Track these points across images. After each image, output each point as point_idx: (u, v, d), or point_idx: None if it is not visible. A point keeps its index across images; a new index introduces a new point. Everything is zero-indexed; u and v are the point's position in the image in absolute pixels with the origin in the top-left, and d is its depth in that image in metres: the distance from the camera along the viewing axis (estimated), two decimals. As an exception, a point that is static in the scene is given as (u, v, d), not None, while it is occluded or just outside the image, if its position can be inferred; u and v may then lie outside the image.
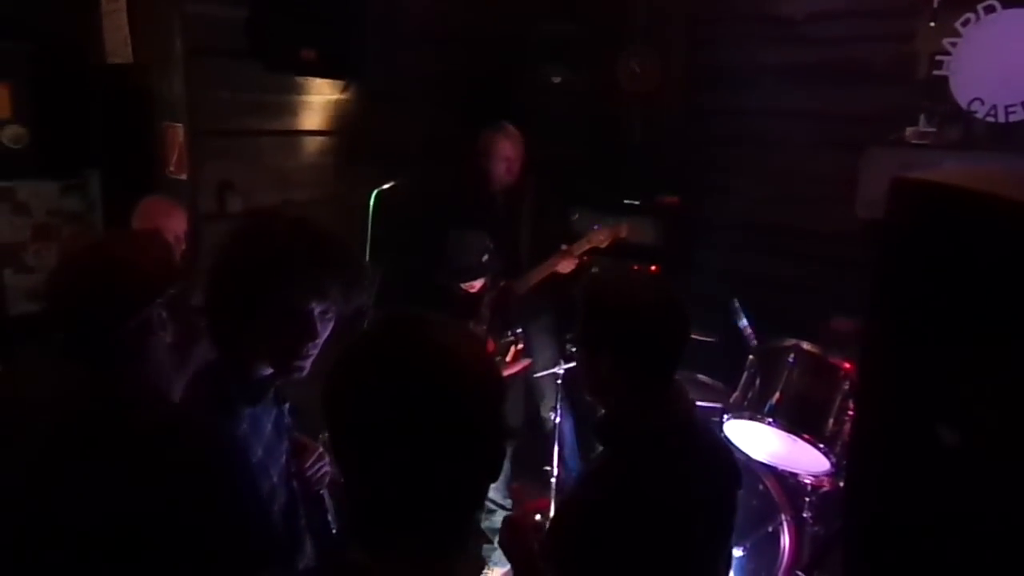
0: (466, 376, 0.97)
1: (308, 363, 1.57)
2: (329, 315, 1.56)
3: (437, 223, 3.61)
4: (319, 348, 1.57)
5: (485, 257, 3.46)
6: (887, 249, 1.24)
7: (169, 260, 1.58)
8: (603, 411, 1.76)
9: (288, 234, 1.52)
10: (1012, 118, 3.15)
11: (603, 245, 3.56)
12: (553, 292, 3.67)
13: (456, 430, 0.95)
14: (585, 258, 3.63)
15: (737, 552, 2.88)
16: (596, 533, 1.55)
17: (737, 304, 3.24)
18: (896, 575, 1.40)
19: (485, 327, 3.53)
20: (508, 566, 3.44)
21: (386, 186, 3.51)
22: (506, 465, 3.42)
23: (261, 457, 1.57)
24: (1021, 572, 1.16)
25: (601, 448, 1.78)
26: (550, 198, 3.78)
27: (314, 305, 1.52)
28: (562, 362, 3.35)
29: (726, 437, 3.16)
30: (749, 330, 3.21)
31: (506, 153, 3.62)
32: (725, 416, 3.10)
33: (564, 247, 3.58)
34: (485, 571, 3.41)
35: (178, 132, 3.38)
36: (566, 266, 3.55)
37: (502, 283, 3.62)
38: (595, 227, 3.54)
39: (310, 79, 3.67)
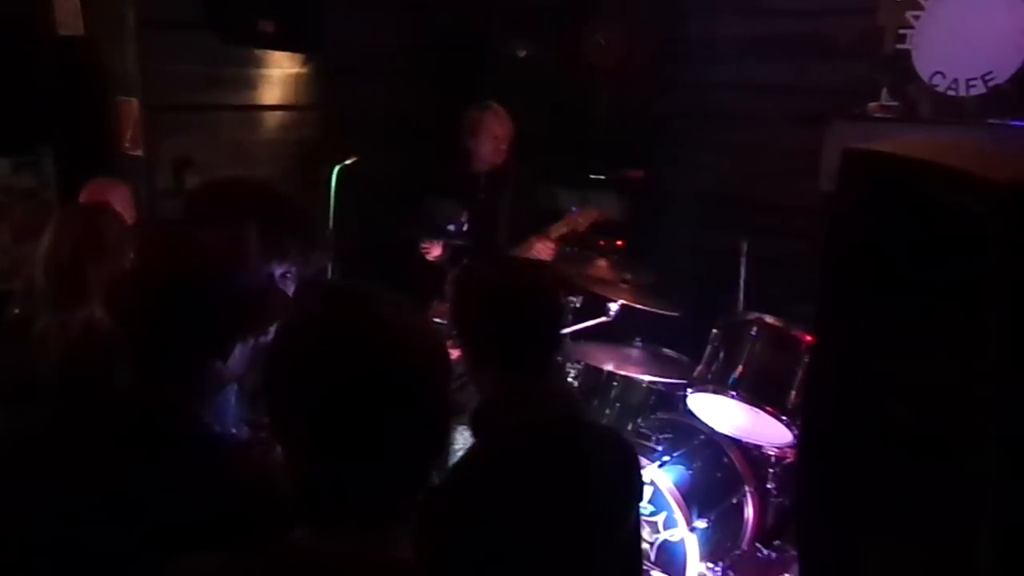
0: (409, 351, 0.95)
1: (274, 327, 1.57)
2: (290, 276, 1.56)
3: (410, 197, 3.56)
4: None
5: (451, 226, 3.42)
6: (838, 220, 1.24)
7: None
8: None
9: (246, 197, 1.53)
10: (972, 91, 3.17)
11: (581, 228, 3.49)
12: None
13: (398, 406, 0.93)
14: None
15: (701, 524, 2.90)
16: (437, 522, 1.39)
17: (745, 248, 3.17)
18: (847, 544, 1.41)
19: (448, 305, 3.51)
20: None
21: (348, 161, 3.46)
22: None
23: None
24: (969, 540, 1.17)
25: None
26: (532, 181, 3.74)
27: (276, 267, 1.53)
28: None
29: (691, 411, 3.18)
30: (745, 280, 3.17)
31: (496, 131, 3.54)
32: (689, 390, 3.11)
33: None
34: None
35: (132, 107, 3.30)
36: (543, 250, 3.47)
37: (465, 262, 3.58)
38: (573, 209, 3.48)
39: (269, 52, 3.59)
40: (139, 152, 3.34)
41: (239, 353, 1.37)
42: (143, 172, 3.28)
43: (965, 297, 1.06)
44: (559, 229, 3.47)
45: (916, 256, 1.17)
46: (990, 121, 3.12)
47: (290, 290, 1.57)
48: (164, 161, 3.37)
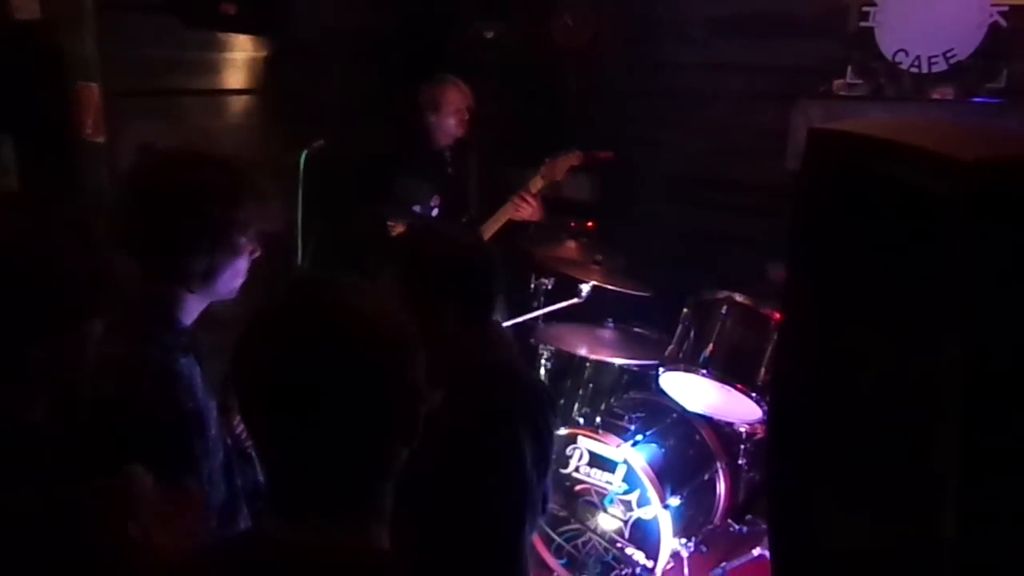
0: (376, 339, 0.95)
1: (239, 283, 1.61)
2: (250, 234, 1.58)
3: (378, 178, 3.53)
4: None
5: (417, 207, 3.39)
6: (804, 198, 1.25)
7: None
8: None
9: (199, 162, 1.54)
10: (935, 68, 3.21)
11: (558, 178, 3.43)
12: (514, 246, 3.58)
13: (367, 395, 0.93)
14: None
15: (674, 501, 2.94)
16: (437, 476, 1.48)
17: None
18: (816, 517, 1.43)
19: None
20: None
21: (315, 145, 3.42)
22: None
23: (200, 409, 1.55)
24: (936, 512, 1.19)
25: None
26: (497, 154, 3.70)
27: (242, 242, 1.57)
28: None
29: (663, 390, 3.22)
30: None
31: (458, 104, 3.50)
32: (661, 369, 3.14)
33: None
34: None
35: (93, 92, 3.22)
36: (527, 211, 3.41)
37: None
38: (545, 160, 3.44)
39: (232, 35, 3.52)
40: (101, 139, 3.26)
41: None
42: (105, 159, 3.21)
43: (929, 275, 1.08)
44: (536, 183, 3.40)
45: (881, 235, 1.19)
46: (952, 98, 3.17)
47: (250, 248, 1.59)
48: (127, 147, 3.30)
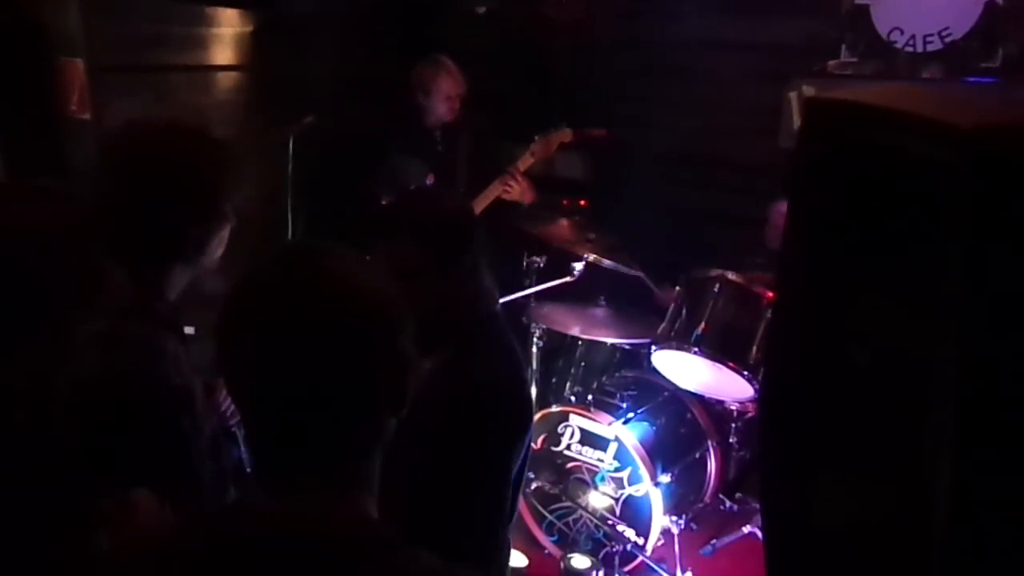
0: (363, 305, 0.93)
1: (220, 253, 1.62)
2: (234, 201, 1.58)
3: (368, 157, 3.49)
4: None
5: (413, 187, 3.36)
6: (801, 169, 1.24)
7: None
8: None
9: (182, 131, 1.53)
10: (930, 47, 3.20)
11: (548, 155, 3.41)
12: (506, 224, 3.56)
13: (354, 363, 0.91)
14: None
15: (665, 478, 2.95)
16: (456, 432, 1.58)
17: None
18: (807, 493, 1.43)
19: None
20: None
21: (304, 122, 3.38)
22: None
23: (186, 385, 1.53)
24: (929, 487, 1.19)
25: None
26: (487, 132, 3.67)
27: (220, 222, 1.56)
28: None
29: (655, 368, 3.22)
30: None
31: (449, 92, 3.46)
32: (653, 347, 3.13)
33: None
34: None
35: (77, 68, 3.17)
36: (515, 191, 3.38)
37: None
38: (535, 138, 3.42)
39: (219, 10, 3.47)
40: (86, 115, 3.22)
41: None
42: (91, 136, 3.17)
43: (925, 245, 1.07)
44: (526, 161, 3.37)
45: (878, 205, 1.17)
46: (946, 78, 3.16)
47: (225, 243, 1.59)
48: (112, 124, 3.25)
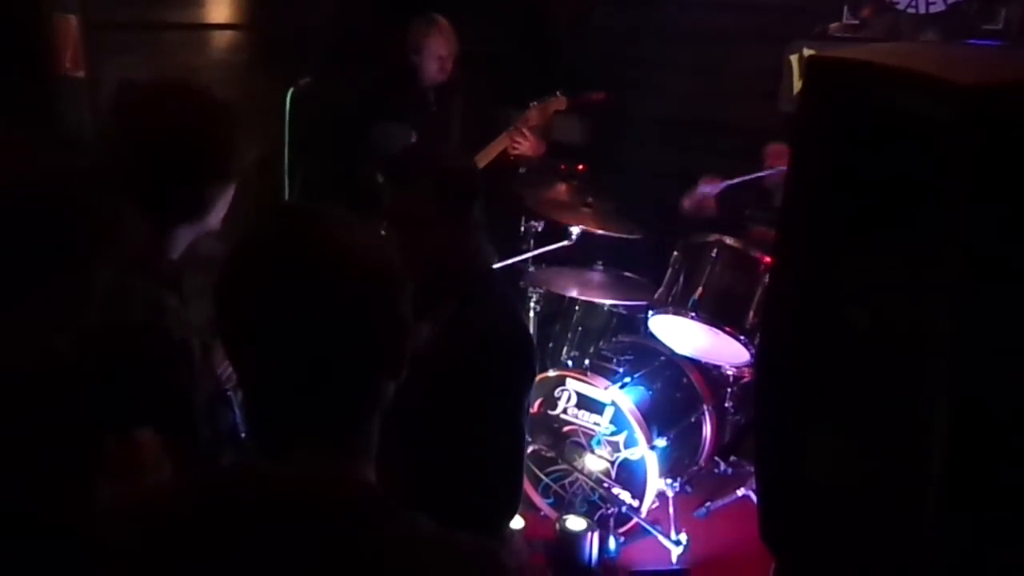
0: (361, 268, 0.92)
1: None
2: (237, 160, 1.59)
3: (362, 118, 3.46)
4: None
5: None
6: (801, 128, 1.23)
7: None
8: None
9: (185, 90, 1.54)
10: (932, 9, 3.17)
11: (544, 122, 3.40)
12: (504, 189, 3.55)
13: (352, 326, 0.90)
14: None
15: (661, 442, 2.97)
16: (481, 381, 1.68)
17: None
18: (802, 453, 1.44)
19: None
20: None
21: (301, 82, 3.34)
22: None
23: (187, 342, 1.54)
24: (924, 448, 1.20)
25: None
26: (483, 93, 3.62)
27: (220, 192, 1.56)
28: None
29: (652, 333, 3.22)
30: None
31: (440, 51, 3.42)
32: (650, 312, 3.14)
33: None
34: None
35: (71, 24, 3.13)
36: (525, 146, 3.36)
37: None
38: (532, 104, 3.39)
39: (214, -34, 3.43)
40: (81, 73, 3.18)
41: None
42: (85, 95, 3.13)
43: (926, 204, 1.06)
44: (527, 121, 3.35)
45: (878, 165, 1.17)
46: (948, 40, 3.13)
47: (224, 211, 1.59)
48: (108, 83, 3.21)
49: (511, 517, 1.91)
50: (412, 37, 3.42)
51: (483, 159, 3.40)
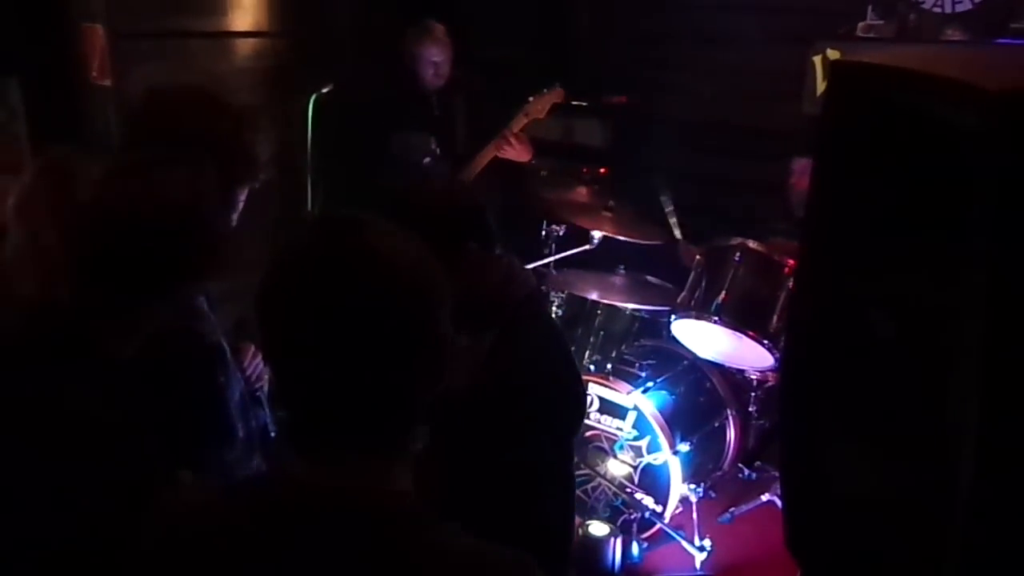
0: (403, 280, 0.92)
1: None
2: (258, 163, 1.59)
3: (378, 127, 3.48)
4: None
5: (427, 159, 3.36)
6: (825, 134, 1.21)
7: None
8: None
9: (202, 95, 1.55)
10: (958, 8, 3.12)
11: (542, 115, 3.37)
12: (500, 190, 3.56)
13: (393, 336, 0.91)
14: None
15: (684, 447, 2.95)
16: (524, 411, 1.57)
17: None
18: (828, 461, 1.42)
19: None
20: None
21: (324, 90, 3.37)
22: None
23: (221, 345, 1.56)
24: (953, 458, 1.18)
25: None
26: (485, 94, 3.62)
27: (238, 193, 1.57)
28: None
29: (675, 337, 3.21)
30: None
31: (432, 58, 3.43)
32: (672, 316, 3.12)
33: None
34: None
35: (98, 34, 3.18)
36: (514, 151, 3.37)
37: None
38: (529, 99, 3.39)
39: (240, -25, 3.46)
40: (107, 82, 3.23)
41: None
42: (113, 102, 3.18)
43: (952, 213, 1.05)
44: (519, 122, 3.34)
45: (903, 171, 1.15)
46: (975, 39, 3.09)
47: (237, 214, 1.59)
48: (134, 91, 3.25)
49: (563, 566, 1.75)
50: (407, 45, 3.43)
51: (477, 165, 3.42)
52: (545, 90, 3.34)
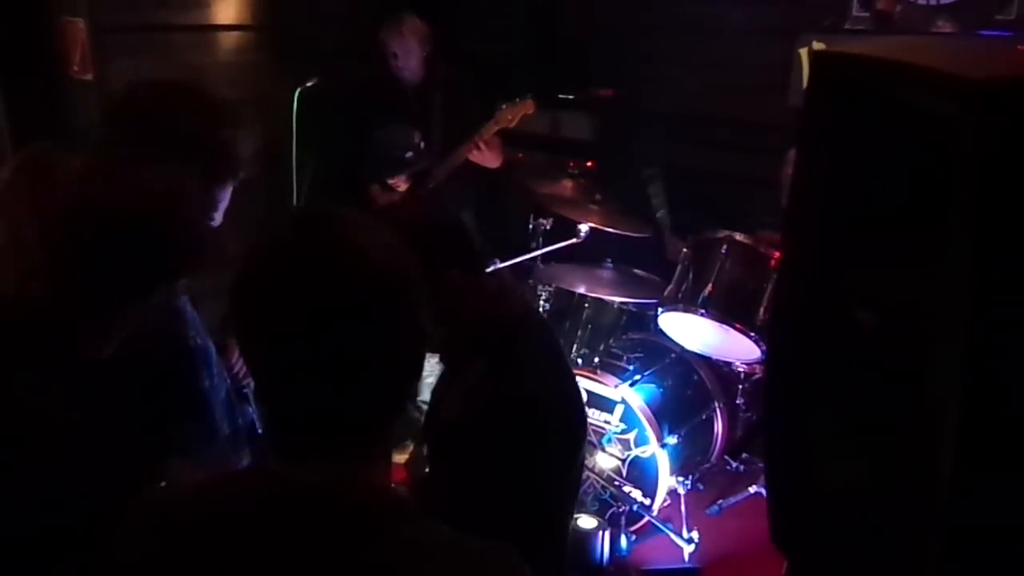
0: (378, 273, 0.91)
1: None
2: (239, 159, 1.58)
3: (362, 121, 3.46)
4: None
5: (409, 153, 3.34)
6: (808, 125, 1.21)
7: None
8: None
9: (183, 90, 1.54)
10: (944, 0, 3.13)
11: (512, 124, 3.36)
12: (476, 188, 3.55)
13: (369, 332, 0.90)
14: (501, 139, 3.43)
15: (672, 440, 2.95)
16: (509, 449, 1.50)
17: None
18: (813, 453, 1.43)
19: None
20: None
21: (309, 84, 3.34)
22: (440, 369, 3.41)
23: (205, 346, 1.55)
24: (934, 448, 1.18)
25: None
26: (465, 89, 3.60)
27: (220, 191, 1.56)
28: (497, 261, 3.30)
29: (662, 330, 3.21)
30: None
31: (402, 50, 3.42)
32: (659, 309, 3.12)
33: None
34: (426, 469, 3.45)
35: (79, 28, 3.15)
36: (482, 157, 3.36)
37: (431, 186, 3.51)
38: (501, 107, 3.38)
39: (222, -33, 3.43)
40: (88, 76, 3.20)
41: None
42: (94, 97, 3.15)
43: (935, 202, 1.05)
44: (490, 129, 3.34)
45: (886, 162, 1.15)
46: (960, 31, 3.09)
47: (222, 211, 1.58)
48: (115, 86, 3.22)
49: None
50: (382, 39, 3.41)
51: (447, 167, 3.41)
52: (518, 99, 3.32)
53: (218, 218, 1.61)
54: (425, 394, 3.42)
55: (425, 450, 2.25)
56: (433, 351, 1.90)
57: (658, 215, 3.37)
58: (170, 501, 1.02)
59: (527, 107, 3.33)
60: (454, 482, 1.56)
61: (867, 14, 3.32)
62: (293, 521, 0.89)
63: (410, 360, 0.96)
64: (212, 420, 1.51)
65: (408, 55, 3.40)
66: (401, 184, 3.42)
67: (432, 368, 3.52)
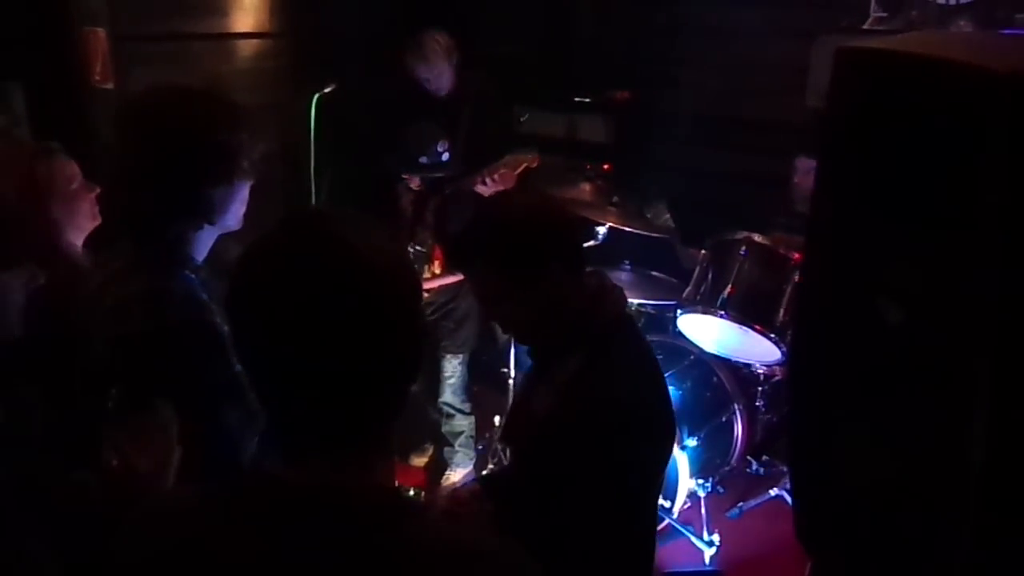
0: (375, 273, 0.90)
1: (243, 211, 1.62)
2: (253, 158, 1.59)
3: (387, 120, 3.46)
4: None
5: (424, 158, 3.35)
6: (831, 121, 1.21)
7: None
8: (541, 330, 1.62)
9: (192, 93, 1.54)
10: (964, 0, 3.11)
11: (514, 171, 3.25)
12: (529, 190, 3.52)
13: (365, 329, 0.89)
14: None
15: (692, 442, 2.94)
16: (609, 446, 1.47)
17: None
18: (837, 453, 1.42)
19: (428, 233, 3.43)
20: (468, 468, 3.49)
21: (326, 89, 3.36)
22: (462, 370, 3.42)
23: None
24: (962, 443, 1.17)
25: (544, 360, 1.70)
26: (494, 99, 3.59)
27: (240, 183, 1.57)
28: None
29: (681, 332, 3.20)
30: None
31: (425, 75, 3.42)
32: (678, 311, 3.11)
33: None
34: (446, 473, 3.46)
35: (100, 37, 3.18)
36: (487, 191, 3.25)
37: (447, 190, 3.51)
38: (506, 158, 3.34)
39: (239, -24, 3.46)
40: (109, 85, 3.23)
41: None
42: (114, 105, 3.17)
43: (961, 196, 1.04)
44: (496, 169, 3.26)
45: (911, 157, 1.14)
46: (980, 30, 3.07)
47: (246, 201, 1.59)
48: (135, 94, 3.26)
49: None
50: (409, 65, 3.39)
51: (455, 187, 3.35)
52: (522, 152, 3.28)
53: (237, 219, 1.61)
54: (447, 396, 3.46)
55: (506, 450, 2.24)
56: (523, 343, 1.85)
57: (669, 228, 3.35)
58: (171, 504, 1.02)
59: (531, 160, 3.28)
60: (545, 478, 1.52)
61: (885, 14, 3.30)
62: (293, 523, 0.88)
63: (408, 361, 0.95)
64: (251, 402, 1.50)
65: (440, 77, 3.38)
66: (415, 182, 3.42)
67: (455, 369, 3.54)
